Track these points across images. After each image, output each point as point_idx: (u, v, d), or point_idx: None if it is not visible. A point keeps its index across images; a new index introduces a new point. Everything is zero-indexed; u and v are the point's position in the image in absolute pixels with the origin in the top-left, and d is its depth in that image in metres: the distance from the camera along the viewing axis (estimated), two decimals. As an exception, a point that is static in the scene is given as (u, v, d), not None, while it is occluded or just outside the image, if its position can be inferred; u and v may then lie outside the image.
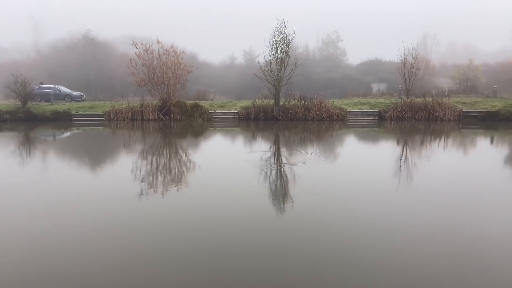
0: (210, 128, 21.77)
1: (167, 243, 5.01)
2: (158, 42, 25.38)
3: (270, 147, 14.70)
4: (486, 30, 72.28)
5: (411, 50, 26.90)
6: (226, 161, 11.74)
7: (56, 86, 33.80)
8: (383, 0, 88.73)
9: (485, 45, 64.21)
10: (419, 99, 24.14)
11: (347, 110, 24.81)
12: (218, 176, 9.18)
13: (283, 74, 24.03)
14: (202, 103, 27.02)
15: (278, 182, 8.62)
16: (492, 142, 16.72)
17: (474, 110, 23.67)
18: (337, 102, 26.62)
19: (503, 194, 7.39)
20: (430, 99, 23.70)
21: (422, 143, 15.64)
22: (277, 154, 12.79)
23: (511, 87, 32.43)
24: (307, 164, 10.65)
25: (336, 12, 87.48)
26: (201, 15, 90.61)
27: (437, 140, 16.43)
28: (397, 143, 16.03)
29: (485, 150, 14.28)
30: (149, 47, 25.27)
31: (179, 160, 11.78)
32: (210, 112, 25.44)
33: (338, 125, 22.26)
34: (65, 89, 34.04)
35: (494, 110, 23.18)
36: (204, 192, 7.63)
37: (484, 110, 23.51)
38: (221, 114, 25.70)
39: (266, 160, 11.36)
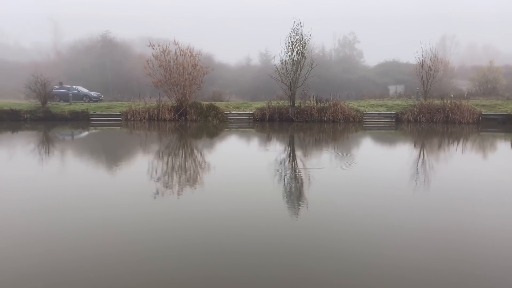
0: (225, 129, 21.84)
1: (176, 241, 5.03)
2: (175, 43, 25.60)
3: (285, 149, 14.65)
4: (507, 31, 70.85)
5: (430, 52, 26.55)
6: (241, 162, 11.74)
7: (74, 86, 34.38)
8: (401, 1, 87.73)
9: (506, 47, 62.80)
10: (437, 101, 23.77)
11: (364, 112, 24.58)
12: (231, 177, 9.19)
13: (299, 75, 23.97)
14: (217, 104, 27.14)
15: (293, 185, 8.58)
16: (512, 145, 16.36)
17: (494, 113, 23.19)
18: (353, 104, 26.40)
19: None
20: (449, 101, 23.31)
21: (440, 146, 15.38)
22: (292, 156, 12.74)
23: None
24: (323, 168, 10.58)
25: (353, 13, 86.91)
26: (218, 17, 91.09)
27: (456, 143, 16.14)
28: (415, 146, 15.80)
29: (505, 154, 13.95)
30: (166, 48, 25.50)
31: (194, 161, 11.84)
32: (226, 113, 25.52)
33: (354, 127, 22.07)
34: (84, 90, 34.59)
35: (515, 113, 22.68)
36: (217, 193, 7.64)
37: (505, 113, 23.00)
38: (236, 115, 25.76)
39: (281, 162, 11.33)
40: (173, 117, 25.15)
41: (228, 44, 79.49)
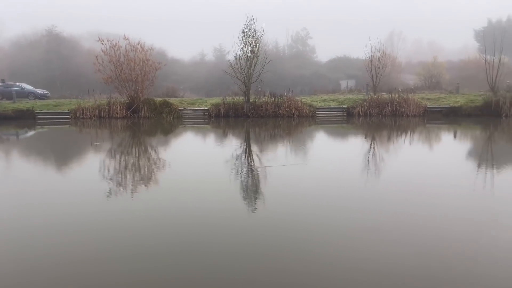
0: (180, 126, 21.53)
1: (126, 241, 4.91)
2: (125, 38, 24.84)
3: (242, 145, 14.69)
4: (449, 28, 74.95)
5: (378, 48, 27.55)
6: (197, 159, 11.63)
7: (18, 83, 32.46)
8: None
9: (449, 43, 66.43)
10: (385, 96, 24.72)
11: (316, 107, 25.11)
12: (187, 174, 9.09)
13: (253, 71, 24.07)
14: (171, 100, 26.67)
15: (251, 181, 8.63)
16: (455, 136, 17.36)
17: (438, 106, 24.47)
18: (306, 99, 26.89)
19: (471, 185, 7.67)
20: (396, 95, 24.31)
21: (389, 138, 16.04)
22: (249, 152, 12.79)
23: (473, 83, 33.67)
24: (280, 161, 10.72)
25: (305, 9, 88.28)
26: (169, 12, 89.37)
27: (404, 135, 16.89)
28: (366, 138, 16.37)
29: (450, 144, 14.79)
30: (116, 43, 24.70)
31: (148, 158, 11.59)
32: (180, 110, 25.15)
33: (308, 122, 22.50)
34: (28, 87, 32.77)
35: (456, 106, 24.04)
36: (172, 191, 7.53)
37: (448, 105, 24.34)
38: (191, 111, 25.46)
39: (238, 158, 11.35)
40: (125, 114, 24.44)
41: (181, 39, 78.21)
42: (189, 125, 22.00)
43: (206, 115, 25.10)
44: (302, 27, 63.98)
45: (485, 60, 25.73)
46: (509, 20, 53.86)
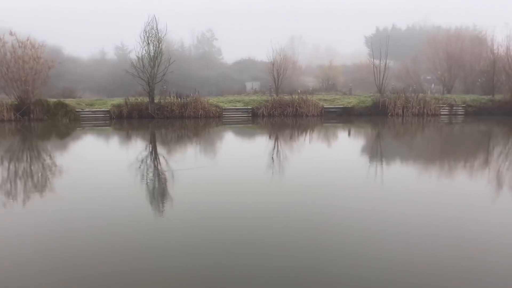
0: (78, 129, 20.20)
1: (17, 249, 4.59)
2: (11, 34, 22.54)
3: (147, 147, 14.31)
4: (344, 33, 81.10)
5: (279, 51, 28.79)
6: (96, 163, 11.07)
7: None
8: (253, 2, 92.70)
9: (344, 48, 71.64)
10: (287, 97, 25.91)
11: (223, 108, 25.41)
12: (86, 180, 8.62)
13: (157, 71, 23.53)
14: (67, 101, 24.85)
15: (157, 185, 8.49)
16: (349, 134, 18.97)
17: (334, 106, 26.36)
18: (213, 100, 27.04)
19: (366, 176, 8.48)
20: (297, 96, 25.66)
21: (291, 137, 16.91)
22: (155, 155, 12.53)
23: (364, 85, 36.87)
24: (188, 163, 10.70)
25: (210, 10, 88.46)
26: (66, 6, 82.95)
27: (304, 134, 17.95)
28: (270, 137, 17.05)
29: (344, 141, 16.10)
30: (1, 39, 22.31)
31: (42, 165, 10.71)
32: (77, 111, 23.56)
33: (215, 122, 22.69)
34: None
35: (350, 106, 26.13)
36: (69, 199, 7.11)
37: (342, 106, 26.35)
38: (90, 113, 23.99)
39: (143, 161, 11.06)
40: (13, 117, 22.18)
41: (79, 36, 73.12)
42: (88, 128, 20.75)
43: (107, 116, 23.87)
44: (208, 28, 64.08)
45: (373, 64, 28.44)
46: (394, 28, 59.90)
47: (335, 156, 12.45)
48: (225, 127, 21.53)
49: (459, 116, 25.23)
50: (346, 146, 14.84)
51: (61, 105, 23.32)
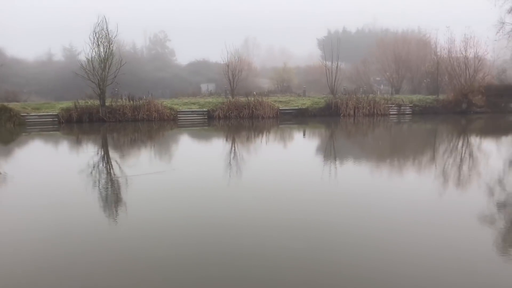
0: (23, 134, 19.15)
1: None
2: None
3: (99, 151, 13.81)
4: (298, 36, 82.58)
5: (234, 53, 28.80)
6: (45, 170, 10.53)
7: None
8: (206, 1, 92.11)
9: (297, 50, 72.80)
10: (242, 99, 25.98)
11: (178, 110, 25.04)
12: (39, 187, 8.19)
13: (108, 73, 22.80)
14: (11, 105, 23.47)
15: (111, 192, 8.21)
16: (304, 135, 19.34)
17: (289, 108, 26.75)
18: (167, 102, 26.58)
19: (319, 172, 8.65)
20: (252, 98, 25.79)
21: (248, 139, 16.96)
22: (107, 159, 12.12)
23: (317, 87, 37.66)
24: (142, 168, 10.43)
25: (162, 11, 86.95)
26: (6, 5, 78.27)
27: (261, 136, 18.06)
28: (227, 140, 17.00)
29: (301, 141, 16.37)
30: None
31: (-16, 173, 10.05)
32: (22, 115, 22.31)
33: (170, 125, 22.30)
34: None
35: (304, 107, 26.61)
36: (21, 208, 6.72)
37: (297, 107, 26.79)
38: (36, 117, 22.80)
39: (95, 167, 10.66)
40: (-51, 123, 20.65)
41: (24, 37, 69.26)
42: (34, 133, 19.72)
43: (56, 121, 22.78)
44: (160, 29, 62.90)
45: (325, 66, 29.15)
46: (344, 31, 61.72)
47: (291, 157, 12.62)
48: (180, 130, 21.22)
49: (407, 116, 26.42)
50: (302, 147, 15.09)
51: (4, 110, 21.95)
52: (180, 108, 25.50)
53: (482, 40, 28.58)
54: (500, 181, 8.52)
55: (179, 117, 24.71)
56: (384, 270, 4.25)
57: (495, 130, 20.26)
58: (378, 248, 4.79)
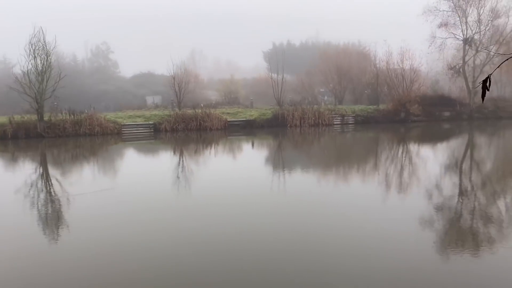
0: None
1: None
2: None
3: (37, 169, 13.03)
4: (244, 48, 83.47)
5: (180, 65, 28.56)
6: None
7: None
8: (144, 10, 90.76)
9: (244, 62, 73.51)
10: (190, 111, 25.75)
11: (122, 124, 24.30)
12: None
13: (46, 86, 21.67)
14: None
15: (50, 212, 7.76)
16: (253, 146, 19.47)
17: (237, 119, 26.88)
18: (111, 116, 25.72)
19: (271, 183, 8.72)
20: (200, 110, 25.64)
21: (196, 151, 16.79)
22: (47, 178, 11.45)
23: (264, 98, 38.15)
24: (84, 185, 9.98)
25: (104, 23, 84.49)
26: None
27: (210, 148, 17.96)
28: (174, 153, 16.71)
29: (250, 152, 16.45)
30: None
31: None
32: (-50, 133, 20.57)
33: (114, 139, 21.54)
34: None
35: (252, 119, 26.87)
36: None
37: (244, 119, 26.99)
38: (-35, 134, 21.11)
39: (32, 186, 10.04)
40: None
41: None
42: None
43: (-13, 138, 21.22)
44: (102, 41, 60.98)
45: (271, 78, 29.69)
46: (289, 44, 63.28)
47: (241, 167, 12.65)
48: (125, 144, 20.55)
49: (350, 125, 27.48)
50: (251, 158, 15.18)
51: None
52: (125, 121, 24.76)
53: (416, 53, 30.56)
54: (437, 185, 9.08)
55: (124, 131, 23.96)
56: (324, 262, 4.39)
57: (430, 137, 21.61)
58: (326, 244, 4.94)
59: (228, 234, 5.81)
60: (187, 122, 24.81)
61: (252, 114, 27.62)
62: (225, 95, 44.25)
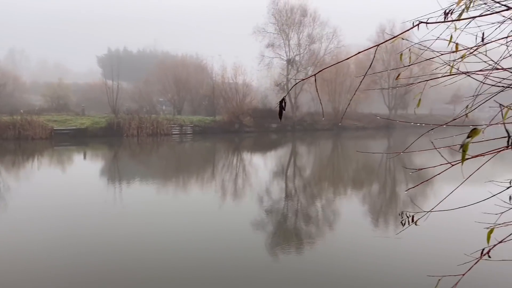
0: None
1: None
2: None
3: None
4: (75, 51, 76.80)
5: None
6: None
7: None
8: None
9: (76, 66, 67.56)
10: (6, 118, 22.46)
11: None
12: None
13: None
14: None
15: None
16: (85, 157, 18.03)
17: (66, 128, 24.49)
18: None
19: (105, 197, 8.23)
20: (20, 117, 22.59)
21: (14, 164, 14.74)
22: None
23: (98, 105, 35.78)
24: None
25: None
26: None
27: (32, 160, 15.99)
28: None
29: (82, 165, 15.21)
30: None
31: None
32: None
33: None
34: None
35: (83, 127, 24.85)
36: None
37: (75, 127, 24.78)
38: None
39: None
40: None
41: None
42: None
43: None
44: None
45: (106, 85, 28.15)
46: (125, 50, 60.95)
47: (70, 181, 11.64)
48: None
49: (188, 135, 27.98)
50: (82, 170, 14.07)
51: None
52: None
53: (248, 69, 33.19)
54: (267, 190, 10.07)
55: None
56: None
57: (261, 146, 23.66)
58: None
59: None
60: (3, 130, 21.59)
61: (83, 122, 25.62)
62: (52, 100, 39.90)
